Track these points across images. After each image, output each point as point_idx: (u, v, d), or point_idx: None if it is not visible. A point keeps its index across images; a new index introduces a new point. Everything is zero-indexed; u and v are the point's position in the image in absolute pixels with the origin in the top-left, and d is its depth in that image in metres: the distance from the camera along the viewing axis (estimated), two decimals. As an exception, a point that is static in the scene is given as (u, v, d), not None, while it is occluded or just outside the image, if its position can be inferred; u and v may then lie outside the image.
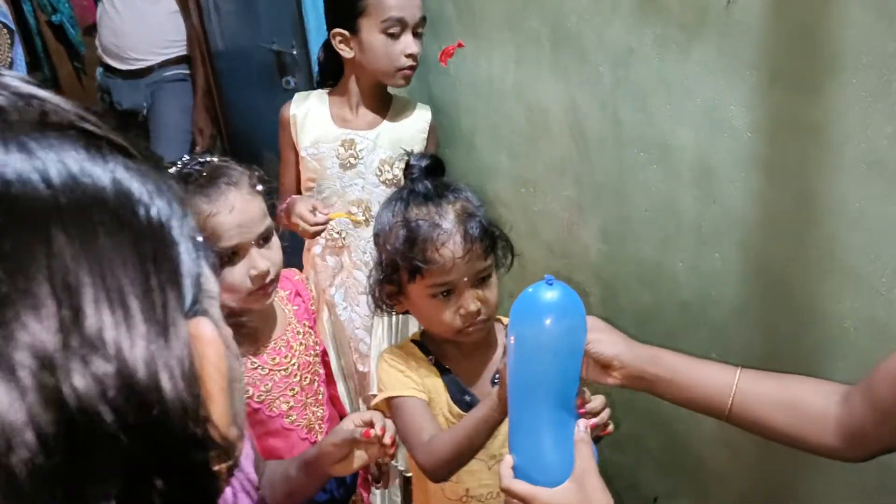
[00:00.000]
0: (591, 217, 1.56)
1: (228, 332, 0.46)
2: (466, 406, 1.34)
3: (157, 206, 0.39)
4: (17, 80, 0.40)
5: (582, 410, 1.01)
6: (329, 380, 1.67)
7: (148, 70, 3.01)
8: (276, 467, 1.34)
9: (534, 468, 0.97)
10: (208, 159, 1.41)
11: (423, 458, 1.24)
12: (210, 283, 0.45)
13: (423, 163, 1.27)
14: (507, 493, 0.97)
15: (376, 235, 1.29)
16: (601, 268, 1.58)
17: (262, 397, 1.48)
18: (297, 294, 1.63)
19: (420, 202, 1.23)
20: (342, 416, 1.71)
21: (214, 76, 3.14)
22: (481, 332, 1.27)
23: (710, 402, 0.99)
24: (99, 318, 0.34)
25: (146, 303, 0.36)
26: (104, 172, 0.37)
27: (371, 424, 1.22)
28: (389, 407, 1.33)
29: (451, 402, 1.33)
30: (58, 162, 0.36)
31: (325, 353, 1.66)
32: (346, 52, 1.73)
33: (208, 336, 0.40)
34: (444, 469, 1.26)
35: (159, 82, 3.04)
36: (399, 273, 1.24)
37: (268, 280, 1.38)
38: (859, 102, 1.00)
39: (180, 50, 3.03)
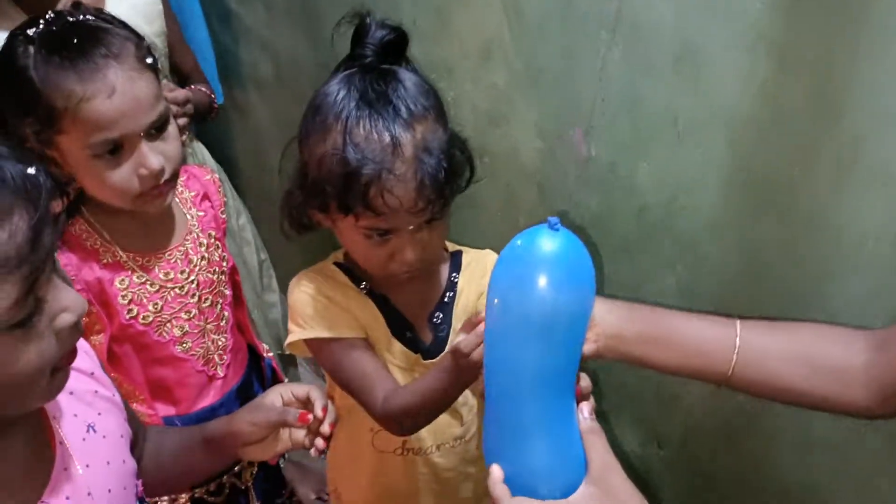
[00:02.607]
0: (525, 109, 1.32)
1: None
2: (409, 343, 1.11)
3: None
4: None
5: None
6: (238, 303, 1.39)
7: None
8: (165, 438, 1.05)
9: (535, 477, 0.75)
10: (80, 17, 1.05)
11: (383, 419, 1.02)
12: None
13: (382, 35, 0.96)
14: None
15: (304, 133, 0.99)
16: (535, 168, 1.36)
17: (150, 318, 1.21)
18: (206, 197, 1.33)
19: (371, 119, 0.92)
20: (251, 345, 1.44)
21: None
22: (415, 275, 1.04)
23: (707, 364, 0.81)
24: None
25: None
26: None
27: (306, 402, 0.97)
28: (318, 349, 1.07)
29: (393, 339, 1.10)
30: None
31: (234, 271, 1.38)
32: None
33: None
34: (412, 429, 1.06)
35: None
36: (326, 200, 0.96)
37: (162, 180, 1.10)
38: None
39: None
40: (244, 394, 1.40)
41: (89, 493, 0.81)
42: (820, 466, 1.15)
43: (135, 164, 1.09)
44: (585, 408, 0.79)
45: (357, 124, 0.92)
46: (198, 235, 1.29)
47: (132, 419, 0.96)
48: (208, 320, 1.30)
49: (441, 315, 1.13)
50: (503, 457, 0.78)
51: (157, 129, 1.11)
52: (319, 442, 0.95)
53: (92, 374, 0.90)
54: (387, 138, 0.91)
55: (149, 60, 1.10)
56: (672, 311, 0.88)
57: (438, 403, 1.01)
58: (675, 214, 1.16)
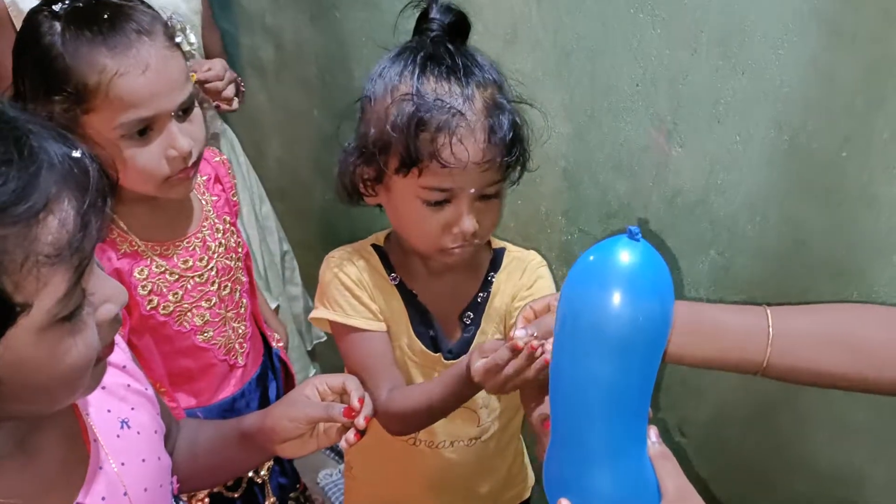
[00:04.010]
0: (552, 92, 1.30)
1: None
2: (430, 342, 1.08)
3: None
4: None
5: None
6: (252, 290, 1.36)
7: None
8: (200, 430, 1.01)
9: None
10: None
11: (380, 414, 1.00)
12: None
13: (447, 18, 0.95)
14: None
15: (367, 98, 0.97)
16: (559, 153, 1.34)
17: (171, 308, 1.18)
18: (217, 181, 1.30)
19: (441, 74, 0.91)
20: (263, 334, 1.40)
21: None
22: (466, 254, 1.01)
23: (742, 356, 0.78)
24: None
25: None
26: None
27: (341, 393, 0.94)
28: (336, 330, 1.08)
29: (413, 337, 1.07)
30: None
31: (248, 257, 1.35)
32: None
33: None
34: (404, 431, 1.06)
35: None
36: (387, 157, 0.93)
37: (190, 163, 1.08)
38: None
39: None
40: (263, 383, 1.37)
41: (125, 493, 0.77)
42: (856, 450, 1.15)
43: (164, 145, 1.06)
44: (652, 431, 0.75)
45: (427, 78, 0.91)
46: (214, 221, 1.26)
47: (165, 414, 0.92)
48: (228, 308, 1.27)
49: (472, 315, 1.10)
50: (572, 489, 0.72)
51: (184, 111, 1.08)
52: (351, 436, 0.90)
53: (124, 367, 0.85)
54: (457, 89, 0.91)
55: (177, 39, 1.07)
56: (702, 303, 0.85)
57: (438, 412, 1.00)
58: (710, 196, 1.16)
